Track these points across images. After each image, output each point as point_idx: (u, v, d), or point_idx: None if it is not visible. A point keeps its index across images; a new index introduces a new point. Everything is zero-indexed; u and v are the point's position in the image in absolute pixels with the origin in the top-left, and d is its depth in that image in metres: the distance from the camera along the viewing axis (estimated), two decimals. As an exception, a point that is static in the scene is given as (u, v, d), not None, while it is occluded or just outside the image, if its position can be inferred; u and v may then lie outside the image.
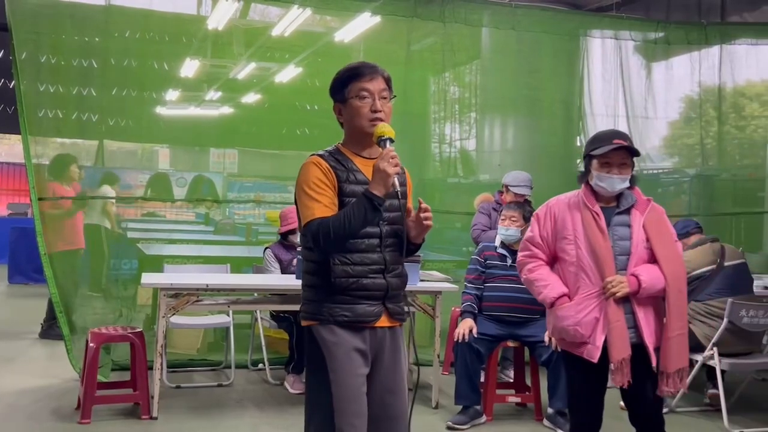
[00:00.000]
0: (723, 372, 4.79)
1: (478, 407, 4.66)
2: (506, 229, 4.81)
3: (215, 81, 8.18)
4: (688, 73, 7.52)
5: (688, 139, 8.75)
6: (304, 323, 2.63)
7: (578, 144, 7.60)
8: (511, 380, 5.32)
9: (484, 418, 4.70)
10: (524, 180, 5.72)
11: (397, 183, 2.49)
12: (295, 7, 6.51)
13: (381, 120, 2.57)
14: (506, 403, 4.98)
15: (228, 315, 5.56)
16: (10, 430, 4.32)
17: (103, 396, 4.56)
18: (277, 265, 5.53)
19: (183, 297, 4.60)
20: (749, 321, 4.72)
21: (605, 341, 3.14)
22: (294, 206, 2.66)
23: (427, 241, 2.79)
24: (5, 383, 5.21)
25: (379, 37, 7.08)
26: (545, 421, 4.70)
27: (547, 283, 3.30)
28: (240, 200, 9.16)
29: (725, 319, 4.70)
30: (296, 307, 2.74)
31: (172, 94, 7.58)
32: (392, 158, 2.47)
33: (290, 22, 6.81)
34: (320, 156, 2.60)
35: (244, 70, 7.93)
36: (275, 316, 5.55)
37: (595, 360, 3.15)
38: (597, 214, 3.22)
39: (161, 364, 4.70)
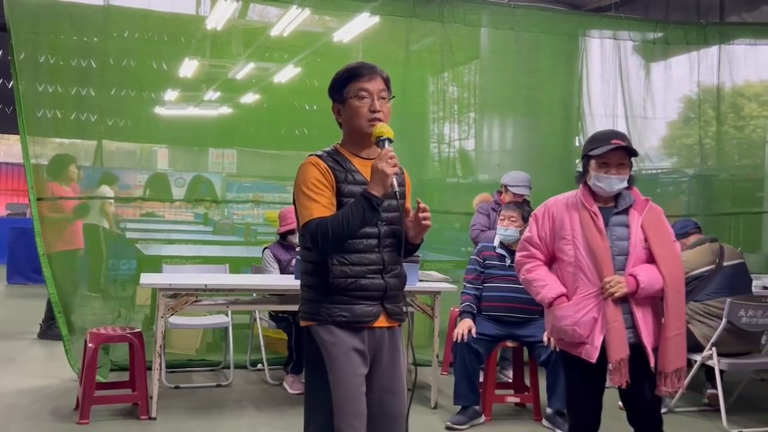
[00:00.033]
0: (722, 372, 4.79)
1: (477, 407, 4.66)
2: (505, 229, 4.81)
3: (214, 81, 8.18)
4: (687, 73, 7.53)
5: (686, 139, 8.75)
6: (302, 323, 2.63)
7: (577, 144, 7.60)
8: (510, 380, 5.32)
9: (483, 418, 4.70)
10: (523, 180, 5.72)
11: (395, 183, 2.49)
12: (293, 7, 6.51)
13: (380, 120, 2.57)
14: (505, 403, 4.98)
15: (227, 315, 5.56)
16: (9, 431, 4.32)
17: (102, 396, 4.56)
18: (276, 266, 5.53)
19: (182, 297, 4.60)
20: (748, 321, 4.73)
21: (603, 341, 3.15)
22: (293, 206, 2.67)
23: (426, 241, 2.80)
24: (4, 383, 5.20)
25: (377, 38, 7.08)
26: (544, 421, 4.70)
27: (545, 283, 3.30)
28: (239, 200, 9.16)
29: (724, 319, 4.70)
30: (295, 308, 2.74)
31: (170, 94, 7.57)
32: (391, 158, 2.47)
33: (289, 22, 6.81)
34: (318, 156, 2.60)
35: (243, 70, 7.93)
36: (274, 316, 5.55)
37: (594, 360, 3.15)
38: (595, 215, 3.22)
39: (160, 365, 4.70)
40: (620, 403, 3.42)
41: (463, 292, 4.89)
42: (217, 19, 6.77)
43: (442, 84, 8.31)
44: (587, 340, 3.17)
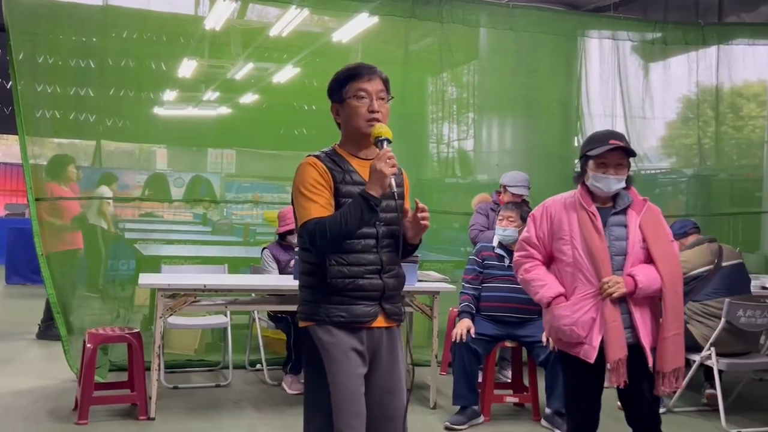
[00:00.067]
0: (720, 372, 4.79)
1: (475, 407, 4.66)
2: (504, 230, 4.82)
3: (213, 81, 8.18)
4: (686, 73, 7.53)
5: (685, 139, 8.75)
6: (301, 324, 2.63)
7: (576, 144, 7.60)
8: (509, 380, 5.33)
9: (481, 419, 4.70)
10: (522, 180, 5.72)
11: (393, 184, 2.49)
12: (292, 7, 6.51)
13: (378, 120, 2.57)
14: (504, 403, 4.99)
15: (225, 315, 5.55)
16: (8, 431, 4.32)
17: (101, 397, 4.55)
18: (275, 266, 5.53)
19: (180, 297, 4.60)
20: (747, 321, 4.73)
21: (602, 341, 3.15)
22: (292, 207, 2.66)
23: (425, 241, 2.80)
24: (2, 384, 5.20)
25: (376, 38, 7.08)
26: (543, 422, 4.71)
27: (543, 283, 3.30)
28: (238, 200, 9.16)
29: (723, 319, 4.70)
30: (294, 308, 2.74)
31: (169, 95, 7.57)
32: (389, 159, 2.47)
33: (288, 22, 6.81)
34: (316, 157, 2.60)
35: (242, 71, 7.93)
36: (273, 316, 5.55)
37: (592, 360, 3.15)
38: (593, 215, 3.22)
39: (159, 365, 4.71)
40: (619, 402, 3.42)
41: (461, 292, 4.90)
42: (215, 20, 6.77)
43: (441, 84, 8.31)
44: (585, 340, 3.17)
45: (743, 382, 5.37)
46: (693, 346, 4.70)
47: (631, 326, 3.18)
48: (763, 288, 5.54)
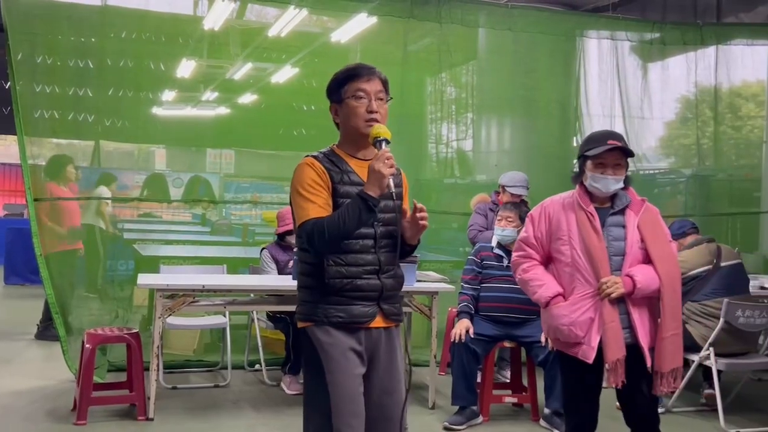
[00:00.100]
0: (719, 372, 4.79)
1: (474, 408, 4.66)
2: (502, 230, 4.82)
3: (212, 81, 8.18)
4: (684, 73, 7.53)
5: (684, 139, 8.77)
6: (299, 325, 2.63)
7: (575, 144, 7.60)
8: (508, 381, 5.32)
9: (480, 419, 4.70)
10: (521, 180, 5.72)
11: (392, 184, 2.49)
12: (291, 7, 6.51)
13: (377, 121, 2.57)
14: (503, 403, 4.99)
15: (224, 316, 5.55)
16: (7, 431, 4.33)
17: (99, 397, 4.55)
18: (273, 266, 5.53)
19: (179, 298, 4.59)
20: (745, 321, 4.73)
21: (600, 342, 3.15)
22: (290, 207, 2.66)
23: (424, 241, 2.80)
24: (1, 384, 5.20)
25: (375, 38, 7.09)
26: (542, 422, 4.71)
27: (542, 283, 3.31)
28: (236, 201, 9.16)
29: (721, 319, 4.71)
30: (292, 308, 2.75)
31: (168, 95, 7.57)
32: (387, 159, 2.46)
33: (287, 22, 6.81)
34: (314, 157, 2.60)
35: (241, 71, 7.93)
36: (272, 316, 5.54)
37: (590, 361, 3.15)
38: (591, 215, 3.22)
39: (157, 365, 4.70)
40: (617, 403, 3.42)
41: (460, 293, 4.90)
42: (214, 20, 6.77)
43: (439, 84, 8.32)
44: (584, 340, 3.17)
45: (742, 382, 5.37)
46: (692, 346, 4.70)
47: (630, 326, 3.18)
48: (762, 288, 5.55)
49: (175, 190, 8.46)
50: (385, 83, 2.63)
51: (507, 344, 4.84)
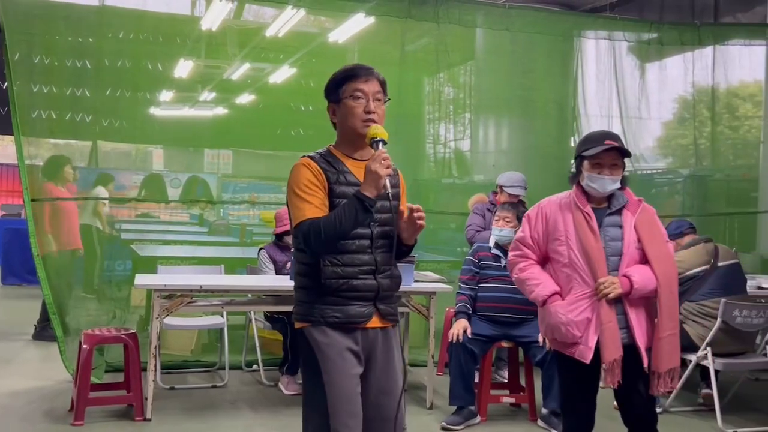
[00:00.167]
0: (717, 372, 4.80)
1: (472, 408, 4.66)
2: (500, 230, 4.82)
3: (209, 82, 8.19)
4: (682, 73, 7.54)
5: (681, 139, 8.78)
6: (297, 325, 2.63)
7: (572, 144, 7.61)
8: (506, 381, 5.33)
9: (478, 419, 4.70)
10: (518, 181, 5.73)
11: (388, 184, 2.49)
12: (289, 7, 6.51)
13: (374, 121, 2.57)
14: (500, 403, 4.99)
15: (222, 316, 5.55)
16: (3, 432, 4.32)
17: (97, 398, 4.55)
18: (271, 266, 5.53)
19: (177, 298, 4.59)
20: (742, 321, 4.74)
21: (597, 342, 3.15)
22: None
23: (422, 241, 2.80)
24: (-2, 385, 5.20)
25: (373, 38, 7.09)
26: (539, 422, 4.71)
27: (538, 282, 3.31)
28: (234, 201, 9.16)
29: (719, 319, 4.71)
30: (290, 308, 2.74)
31: (166, 95, 7.58)
32: (384, 159, 2.46)
33: (284, 22, 6.81)
34: (310, 158, 2.60)
35: (238, 71, 7.93)
36: (269, 317, 5.54)
37: (587, 361, 3.15)
38: (588, 215, 3.22)
39: (155, 366, 4.70)
40: (615, 402, 3.42)
41: (458, 293, 4.90)
42: (212, 20, 6.77)
43: (437, 84, 8.33)
44: (581, 340, 3.17)
45: (739, 382, 5.37)
46: (689, 346, 4.71)
47: (627, 327, 3.18)
48: (759, 288, 5.55)
49: (173, 190, 8.47)
50: (383, 84, 2.63)
51: (504, 344, 4.84)
